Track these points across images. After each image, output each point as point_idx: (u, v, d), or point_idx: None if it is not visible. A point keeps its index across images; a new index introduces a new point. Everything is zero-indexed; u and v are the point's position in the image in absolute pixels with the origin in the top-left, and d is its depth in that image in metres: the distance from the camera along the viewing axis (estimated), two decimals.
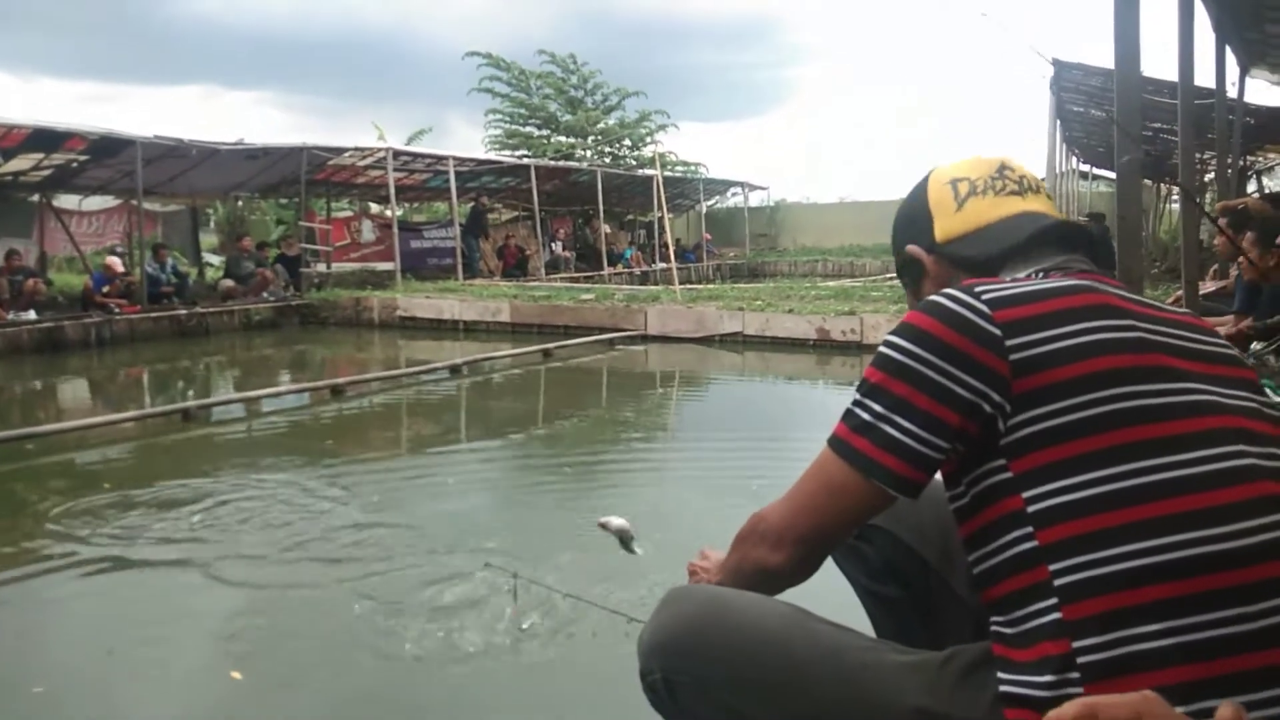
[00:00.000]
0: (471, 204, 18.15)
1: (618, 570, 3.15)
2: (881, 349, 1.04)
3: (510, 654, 2.65)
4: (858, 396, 1.05)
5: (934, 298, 1.03)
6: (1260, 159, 18.17)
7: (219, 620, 2.97)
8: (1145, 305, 1.05)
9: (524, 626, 2.78)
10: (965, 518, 1.03)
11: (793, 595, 1.17)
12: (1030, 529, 0.94)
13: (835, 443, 1.05)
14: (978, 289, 1.01)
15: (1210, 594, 0.89)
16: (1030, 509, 0.95)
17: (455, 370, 8.48)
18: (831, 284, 14.25)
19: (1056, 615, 0.92)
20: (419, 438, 6.42)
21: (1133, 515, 0.91)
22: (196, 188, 15.30)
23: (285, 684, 2.57)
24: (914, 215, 1.24)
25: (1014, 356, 0.96)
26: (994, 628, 1.00)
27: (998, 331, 0.97)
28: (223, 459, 5.52)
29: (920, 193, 1.24)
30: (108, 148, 12.16)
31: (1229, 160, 9.62)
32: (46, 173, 13.09)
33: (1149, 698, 0.66)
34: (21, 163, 12.44)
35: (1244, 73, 10.15)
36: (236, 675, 2.58)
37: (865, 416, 1.02)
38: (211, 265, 16.84)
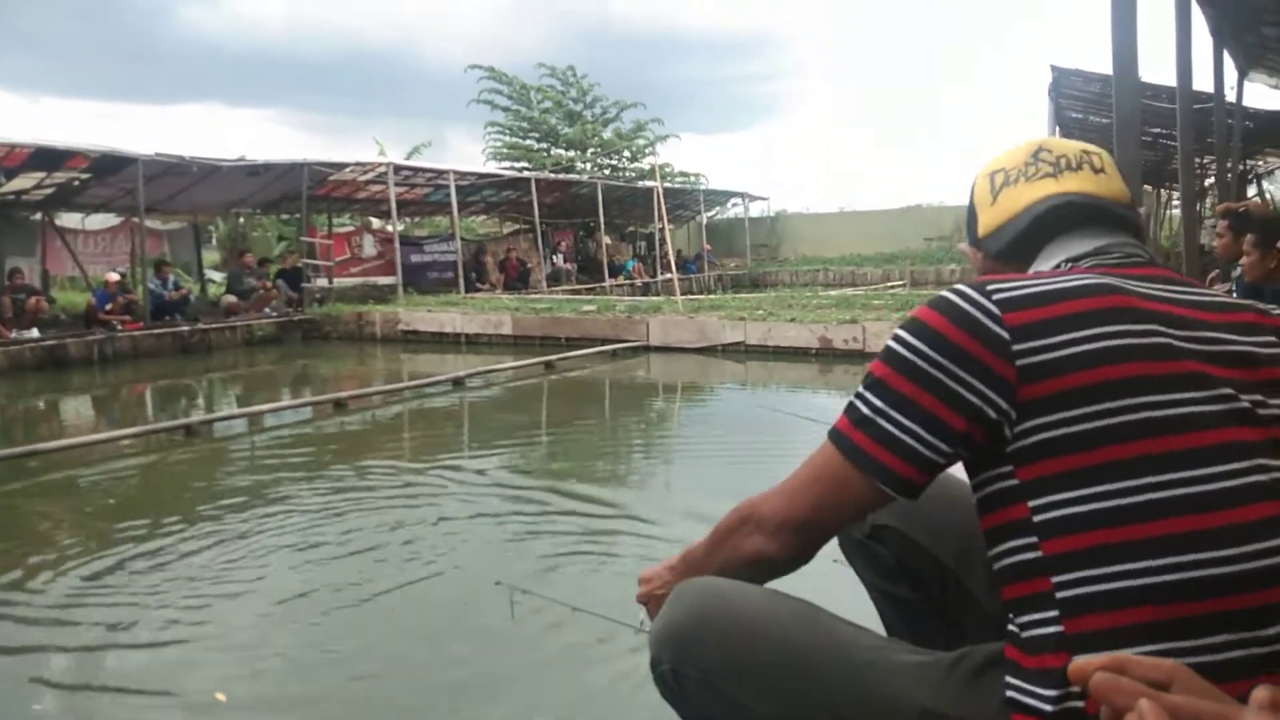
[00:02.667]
0: (475, 248, 18.42)
1: (618, 581, 3.14)
2: (889, 343, 1.01)
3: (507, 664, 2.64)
4: (860, 389, 1.03)
5: (945, 294, 1.00)
6: (1260, 162, 18.21)
7: (226, 633, 2.96)
8: (1178, 304, 0.98)
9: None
10: (981, 514, 1.02)
11: (805, 594, 1.16)
12: (1035, 539, 0.92)
13: (835, 435, 1.04)
14: (990, 287, 0.98)
15: (1218, 616, 0.86)
16: (1035, 519, 0.92)
17: (458, 383, 8.48)
18: (833, 293, 14.22)
19: (1059, 628, 0.90)
20: (418, 449, 6.41)
21: (1138, 532, 0.88)
22: (198, 204, 15.35)
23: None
24: (969, 213, 1.25)
25: (1020, 361, 0.93)
26: (1010, 627, 0.98)
27: (1006, 335, 0.94)
28: (226, 474, 5.51)
29: (971, 189, 1.24)
30: (109, 166, 12.20)
31: (1229, 164, 9.63)
32: (49, 191, 13.14)
33: (1184, 668, 0.64)
34: (24, 181, 12.49)
35: (1242, 76, 10.17)
36: (221, 697, 2.56)
37: (865, 410, 1.01)
38: (214, 281, 16.86)
